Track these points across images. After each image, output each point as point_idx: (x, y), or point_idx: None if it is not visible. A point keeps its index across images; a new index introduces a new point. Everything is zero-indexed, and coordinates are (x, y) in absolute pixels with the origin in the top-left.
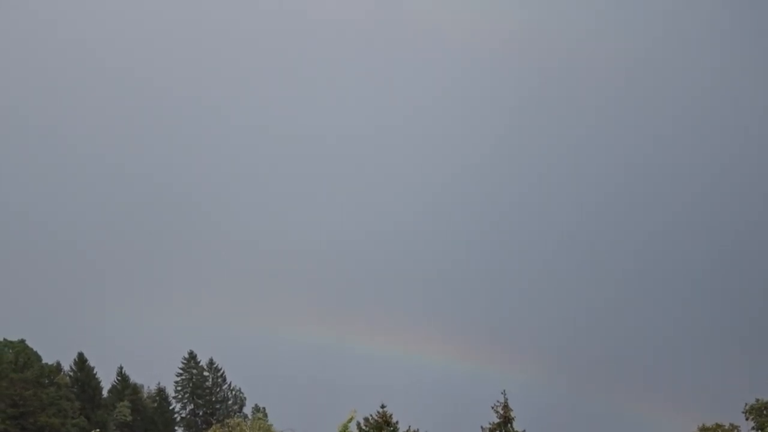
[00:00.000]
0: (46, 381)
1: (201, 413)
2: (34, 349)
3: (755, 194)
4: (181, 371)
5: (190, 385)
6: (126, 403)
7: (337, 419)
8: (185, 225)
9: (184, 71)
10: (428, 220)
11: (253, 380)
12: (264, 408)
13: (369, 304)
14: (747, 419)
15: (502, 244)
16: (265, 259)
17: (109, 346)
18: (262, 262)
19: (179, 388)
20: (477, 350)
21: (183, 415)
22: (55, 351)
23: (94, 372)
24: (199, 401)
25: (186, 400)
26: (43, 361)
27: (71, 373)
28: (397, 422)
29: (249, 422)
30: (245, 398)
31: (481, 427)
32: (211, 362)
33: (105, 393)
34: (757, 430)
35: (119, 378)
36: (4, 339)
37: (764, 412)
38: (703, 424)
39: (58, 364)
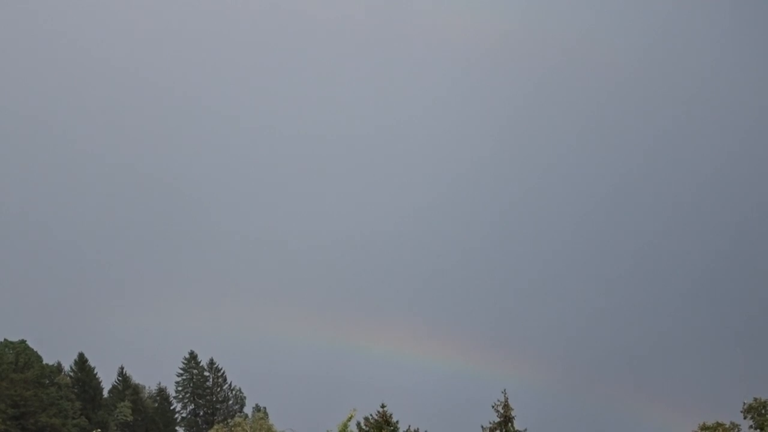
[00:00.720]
0: (47, 381)
1: (202, 413)
2: (35, 350)
3: (755, 194)
4: (181, 371)
5: (191, 385)
6: (127, 403)
7: (337, 418)
8: (187, 224)
9: (185, 71)
10: (428, 220)
11: (254, 380)
12: (264, 408)
13: (369, 303)
14: (745, 418)
15: (502, 245)
16: (267, 259)
17: (110, 347)
18: (263, 262)
19: (180, 388)
20: (477, 350)
21: (184, 415)
22: (56, 351)
23: (95, 372)
24: (200, 401)
25: (187, 400)
26: (44, 362)
27: (72, 374)
28: (397, 422)
29: (250, 422)
30: (246, 398)
31: (482, 426)
32: (211, 362)
33: (105, 393)
34: (756, 429)
35: (120, 378)
36: (5, 339)
37: (762, 411)
38: (704, 423)
39: (59, 364)
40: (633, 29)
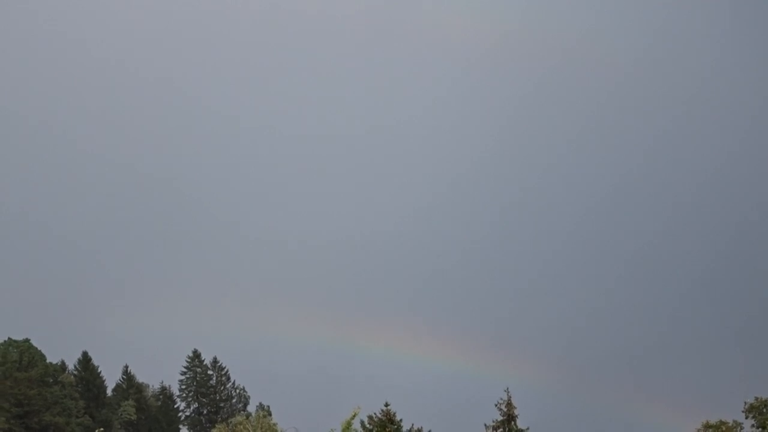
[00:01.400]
0: (51, 380)
1: (205, 412)
2: (39, 348)
3: (755, 194)
4: (185, 370)
5: (195, 383)
6: (131, 402)
7: (338, 418)
8: (187, 224)
9: (185, 71)
10: (428, 220)
11: (257, 379)
12: (268, 406)
13: (369, 303)
14: (747, 417)
15: (502, 245)
16: (267, 259)
17: (113, 345)
18: (263, 262)
19: (183, 387)
20: (477, 350)
21: (187, 414)
22: (60, 350)
23: (99, 371)
24: (204, 400)
25: (190, 399)
26: (48, 360)
27: (75, 372)
28: (400, 420)
29: (253, 420)
30: (249, 397)
31: (485, 424)
32: (215, 361)
33: (109, 392)
34: (758, 428)
35: (124, 377)
36: (9, 338)
37: (764, 410)
38: (707, 421)
39: (63, 363)
40: (633, 29)
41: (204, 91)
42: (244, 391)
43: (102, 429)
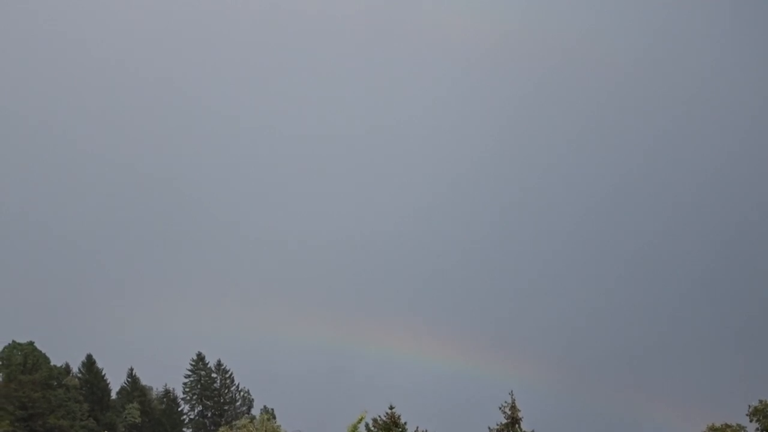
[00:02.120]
0: (55, 383)
1: (209, 415)
2: (43, 351)
3: (755, 194)
4: (189, 373)
5: (199, 386)
6: (136, 405)
7: (338, 418)
8: (187, 224)
9: (185, 71)
10: (428, 220)
11: (257, 379)
12: (272, 409)
13: (369, 303)
14: (751, 421)
15: (502, 245)
16: (267, 259)
17: (118, 348)
18: (263, 262)
19: (187, 390)
20: (477, 350)
21: (191, 417)
22: (64, 353)
23: (103, 374)
24: (208, 403)
25: (194, 402)
26: (52, 363)
27: (80, 375)
28: (405, 423)
29: (257, 423)
30: (253, 399)
31: (489, 428)
32: (219, 364)
33: (113, 395)
34: (762, 431)
35: (129, 379)
36: (13, 341)
37: None
38: (713, 424)
39: (67, 366)
40: (633, 29)
41: (204, 91)
42: (249, 393)
43: None
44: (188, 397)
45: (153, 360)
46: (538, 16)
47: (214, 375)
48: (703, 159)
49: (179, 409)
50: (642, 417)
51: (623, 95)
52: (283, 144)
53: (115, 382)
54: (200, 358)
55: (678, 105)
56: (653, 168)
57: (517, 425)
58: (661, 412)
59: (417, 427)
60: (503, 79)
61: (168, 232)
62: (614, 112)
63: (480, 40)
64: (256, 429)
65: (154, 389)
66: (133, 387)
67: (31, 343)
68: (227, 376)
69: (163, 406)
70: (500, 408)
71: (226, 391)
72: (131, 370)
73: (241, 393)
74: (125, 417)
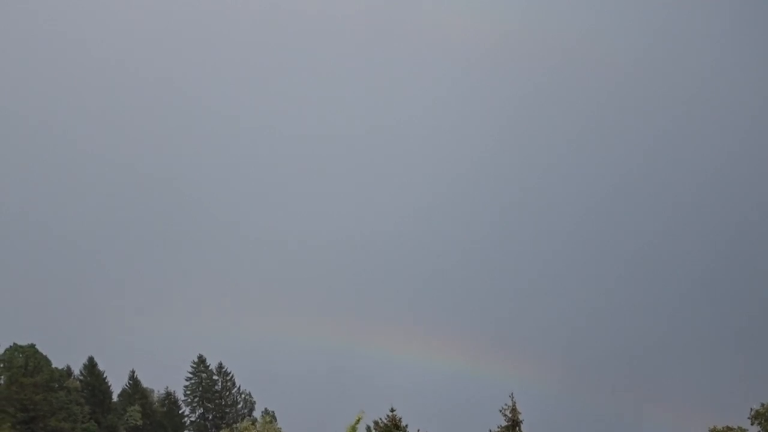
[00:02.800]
0: (56, 385)
1: (210, 417)
2: (44, 354)
3: (755, 194)
4: (190, 375)
5: (200, 389)
6: (137, 407)
7: (338, 419)
8: (190, 224)
9: (185, 71)
10: (428, 220)
11: (261, 381)
12: (273, 411)
13: (369, 303)
14: (753, 424)
15: (502, 245)
16: (269, 258)
17: (119, 351)
18: (265, 261)
19: (189, 392)
20: (477, 350)
21: (192, 419)
22: (65, 355)
23: (104, 376)
24: (209, 405)
25: (195, 404)
26: (53, 366)
27: (81, 378)
28: (406, 426)
29: (258, 426)
30: (254, 402)
31: (490, 429)
32: (220, 366)
33: (115, 397)
34: None
35: (131, 382)
36: (14, 343)
37: None
38: (714, 426)
39: (68, 368)
40: (633, 29)
41: (204, 91)
42: (250, 396)
43: None
44: (189, 400)
45: (153, 361)
46: (538, 16)
47: (215, 377)
48: (703, 159)
49: (180, 412)
50: (642, 416)
51: (623, 95)
52: (283, 144)
53: (117, 385)
54: (201, 360)
55: (678, 105)
56: (653, 168)
57: (517, 428)
58: (660, 411)
59: (418, 430)
60: (503, 79)
61: (168, 232)
62: (614, 112)
63: (480, 40)
64: (258, 431)
65: (156, 391)
66: (135, 389)
67: (32, 346)
68: (228, 378)
69: (165, 408)
70: (501, 410)
71: (228, 393)
72: (133, 372)
73: (243, 395)
74: (126, 419)
